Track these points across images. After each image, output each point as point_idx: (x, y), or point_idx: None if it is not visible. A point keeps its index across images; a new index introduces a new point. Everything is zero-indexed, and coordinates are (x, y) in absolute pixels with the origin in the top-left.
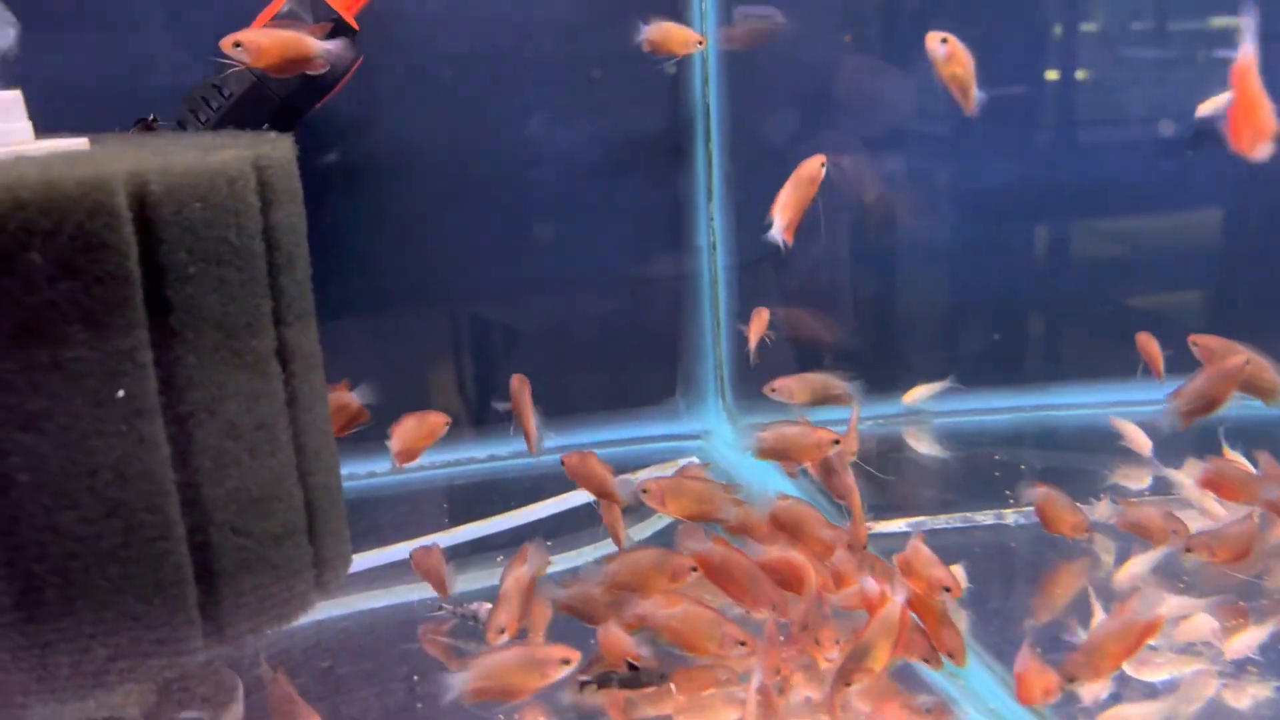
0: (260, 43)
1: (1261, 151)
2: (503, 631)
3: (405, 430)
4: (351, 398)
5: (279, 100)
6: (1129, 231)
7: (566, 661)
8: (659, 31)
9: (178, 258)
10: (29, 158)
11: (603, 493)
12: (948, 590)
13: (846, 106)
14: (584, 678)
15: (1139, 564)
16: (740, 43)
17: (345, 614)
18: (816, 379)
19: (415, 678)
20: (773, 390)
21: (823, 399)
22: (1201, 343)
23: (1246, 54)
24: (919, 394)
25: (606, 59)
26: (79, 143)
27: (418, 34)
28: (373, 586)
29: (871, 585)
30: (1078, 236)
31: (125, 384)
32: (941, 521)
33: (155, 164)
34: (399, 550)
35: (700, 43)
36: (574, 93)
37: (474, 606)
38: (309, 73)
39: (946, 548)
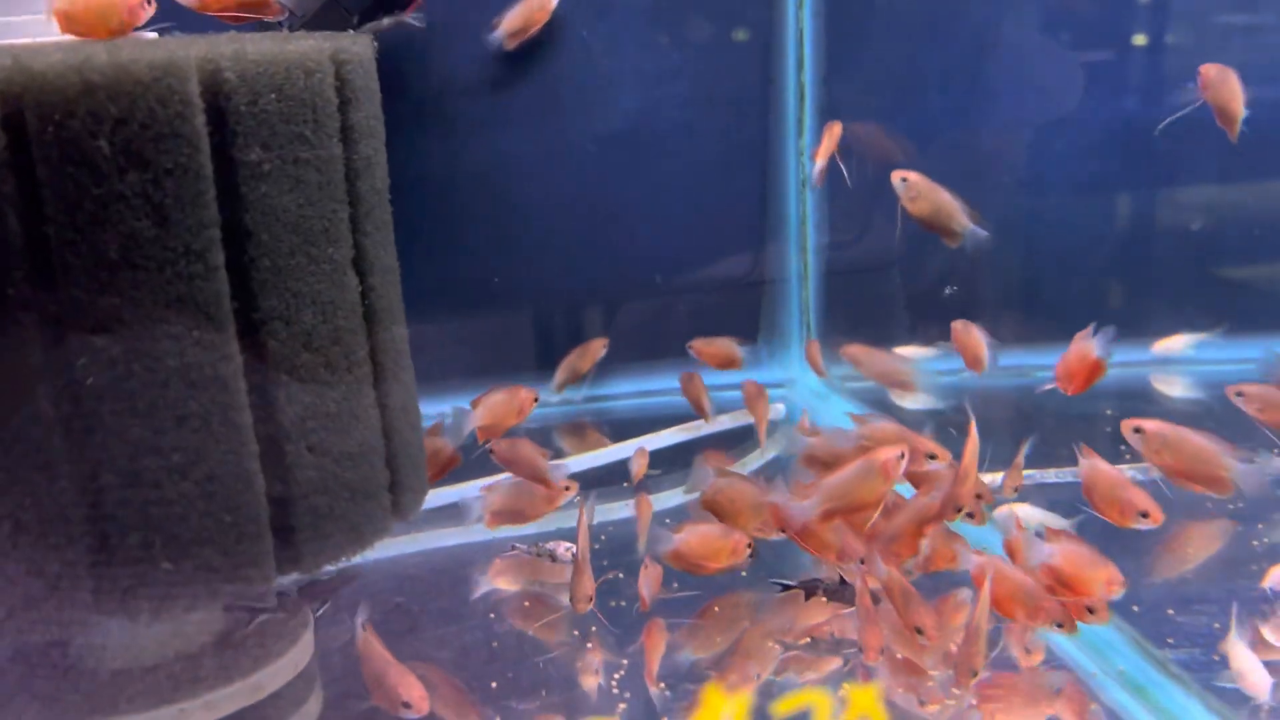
0: None
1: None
2: (590, 599)
3: (493, 405)
4: (445, 444)
5: (351, 15)
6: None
7: (902, 456)
8: None
9: (252, 153)
10: (97, 42)
11: (535, 478)
12: (1145, 515)
13: (953, 36)
14: (786, 582)
15: None
16: None
17: (419, 550)
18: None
19: (491, 615)
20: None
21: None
22: None
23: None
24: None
25: None
26: (147, 35)
27: None
28: (448, 524)
29: (974, 560)
30: (1200, 195)
31: (197, 286)
32: (1051, 475)
33: (229, 50)
34: (475, 488)
35: None
36: (658, 18)
37: (550, 546)
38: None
39: (1059, 503)
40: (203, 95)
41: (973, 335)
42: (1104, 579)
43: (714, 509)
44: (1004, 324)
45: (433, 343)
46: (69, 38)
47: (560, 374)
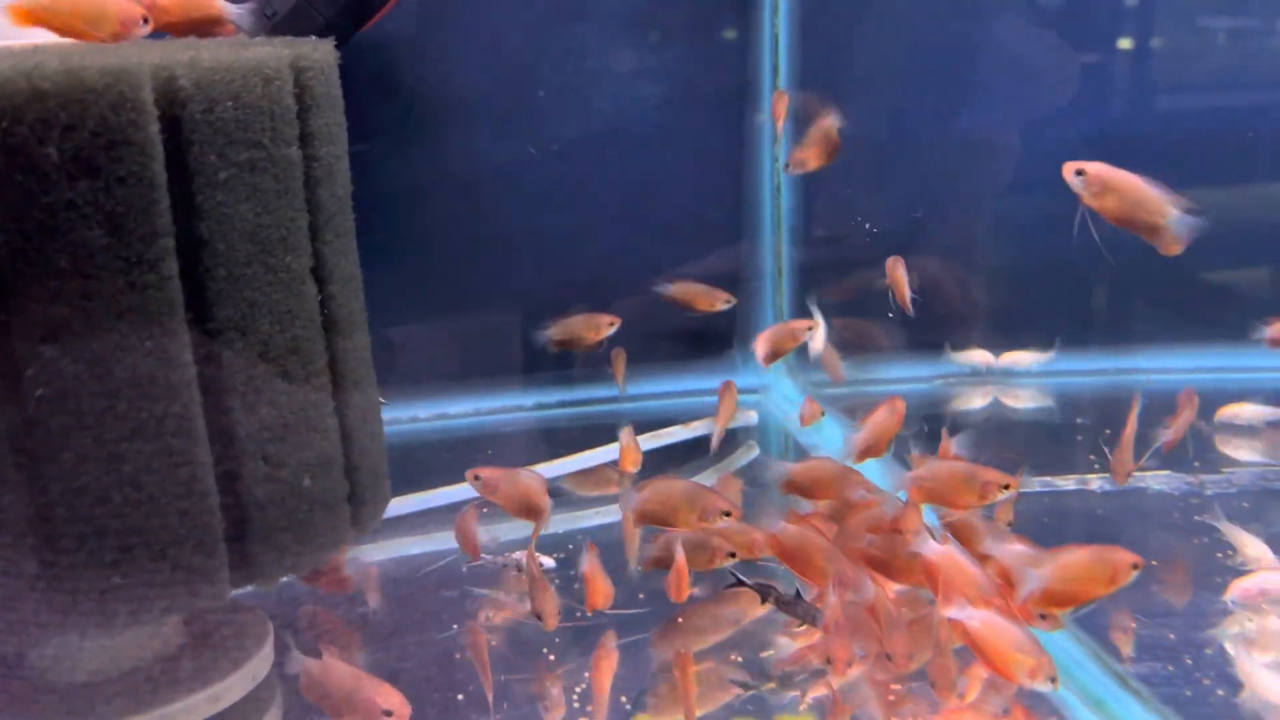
0: (158, 1)
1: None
2: (557, 614)
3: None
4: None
5: (323, 20)
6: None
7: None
8: None
9: (208, 161)
10: (48, 47)
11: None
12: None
13: (928, 41)
14: (744, 578)
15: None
16: None
17: (385, 559)
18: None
19: (455, 626)
20: None
21: None
22: None
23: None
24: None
25: None
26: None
27: None
28: (413, 532)
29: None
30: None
31: (149, 296)
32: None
33: (184, 57)
34: (440, 496)
35: None
36: (633, 22)
37: (517, 556)
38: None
39: (1027, 514)
40: (157, 102)
41: (899, 271)
42: (1029, 667)
43: (650, 519)
44: (984, 328)
45: (412, 346)
46: (51, 39)
47: (557, 332)
